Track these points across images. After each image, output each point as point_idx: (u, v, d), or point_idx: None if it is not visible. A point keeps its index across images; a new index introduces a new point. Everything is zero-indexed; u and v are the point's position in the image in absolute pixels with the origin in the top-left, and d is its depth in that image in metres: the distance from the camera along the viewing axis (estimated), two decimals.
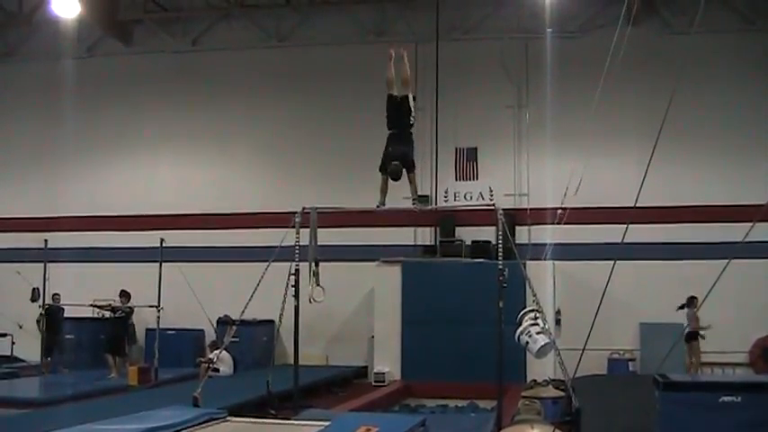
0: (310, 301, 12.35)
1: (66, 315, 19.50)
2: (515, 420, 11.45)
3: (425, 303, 18.11)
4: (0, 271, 20.54)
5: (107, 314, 19.05)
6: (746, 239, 8.55)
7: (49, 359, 18.64)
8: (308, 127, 21.28)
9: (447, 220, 19.92)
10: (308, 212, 12.65)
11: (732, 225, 16.35)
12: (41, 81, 22.25)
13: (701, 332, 16.77)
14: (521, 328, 12.11)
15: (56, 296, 18.91)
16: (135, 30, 22.54)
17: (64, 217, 21.49)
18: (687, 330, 16.43)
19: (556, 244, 17.11)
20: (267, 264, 12.17)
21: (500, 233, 11.97)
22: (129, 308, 18.34)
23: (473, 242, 19.43)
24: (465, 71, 20.44)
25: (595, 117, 15.21)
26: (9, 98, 22.90)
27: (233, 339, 15.32)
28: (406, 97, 11.77)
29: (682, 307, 16.58)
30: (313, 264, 12.56)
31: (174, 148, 22.00)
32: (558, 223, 16.52)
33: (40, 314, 18.58)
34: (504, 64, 20.21)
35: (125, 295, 18.25)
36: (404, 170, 11.53)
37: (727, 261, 8.09)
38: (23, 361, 19.52)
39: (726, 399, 8.59)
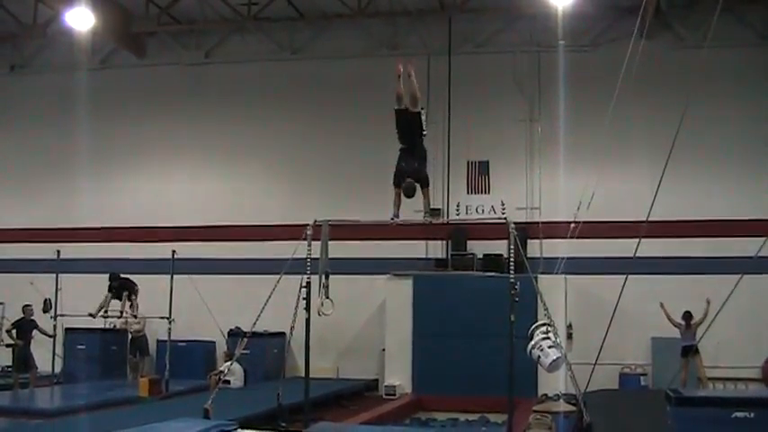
0: (319, 314, 12.30)
1: (78, 326, 19.52)
2: None
3: (437, 317, 18.09)
4: (14, 281, 20.61)
5: (118, 325, 19.20)
6: (759, 254, 8.53)
7: (26, 374, 18.01)
8: (321, 140, 21.31)
9: (459, 234, 19.91)
10: (320, 225, 12.65)
11: (745, 239, 16.31)
12: (55, 93, 22.38)
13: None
14: (532, 342, 12.07)
15: (27, 307, 18.28)
16: (148, 42, 22.65)
17: (77, 228, 21.60)
18: (685, 344, 16.67)
19: (568, 258, 17.06)
20: (279, 276, 12.19)
21: (512, 247, 11.94)
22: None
23: (485, 256, 19.41)
24: (477, 85, 20.47)
25: (608, 131, 15.19)
26: (23, 109, 23.03)
27: (244, 351, 15.32)
28: (417, 113, 11.69)
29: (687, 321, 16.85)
30: (323, 276, 12.53)
31: (187, 160, 22.08)
32: (570, 237, 16.49)
33: (12, 325, 18.28)
34: (516, 78, 20.25)
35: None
36: (417, 185, 11.60)
37: (740, 276, 8.07)
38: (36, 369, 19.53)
39: (739, 414, 8.53)
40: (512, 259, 11.84)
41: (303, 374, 12.92)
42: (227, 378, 16.18)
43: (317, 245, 12.55)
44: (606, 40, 19.74)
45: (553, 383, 15.87)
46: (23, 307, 18.25)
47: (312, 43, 21.76)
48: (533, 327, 12.26)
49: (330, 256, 12.68)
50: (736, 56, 18.92)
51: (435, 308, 18.16)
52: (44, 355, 18.57)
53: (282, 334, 17.55)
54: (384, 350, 18.84)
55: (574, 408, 13.27)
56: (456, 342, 17.71)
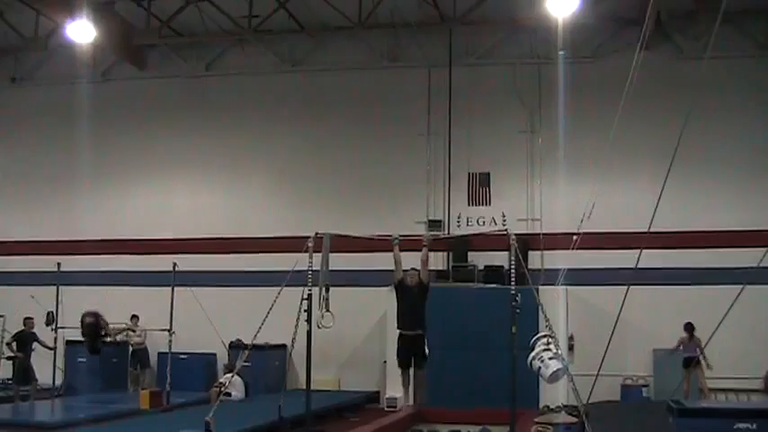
0: (318, 327, 12.27)
1: (78, 339, 19.45)
2: None
3: (438, 328, 17.89)
4: (15, 294, 20.60)
5: (118, 338, 19.18)
6: (761, 264, 8.51)
7: (26, 387, 18.07)
8: (322, 152, 21.31)
9: (460, 246, 19.87)
10: (321, 237, 12.62)
11: (746, 251, 16.25)
12: (56, 105, 22.40)
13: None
14: (533, 354, 12.05)
15: (28, 320, 18.29)
16: (149, 54, 22.68)
17: (78, 241, 21.56)
18: (687, 355, 16.78)
19: (569, 269, 17.03)
20: (280, 288, 12.16)
21: (513, 258, 11.94)
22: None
23: (486, 267, 19.38)
24: (478, 96, 20.48)
25: (609, 142, 15.18)
26: (24, 122, 23.05)
27: (245, 364, 15.29)
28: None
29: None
30: (323, 289, 12.49)
31: (188, 172, 22.08)
32: (571, 248, 16.47)
33: (12, 337, 18.28)
34: (516, 89, 20.26)
35: None
36: None
37: (741, 286, 8.05)
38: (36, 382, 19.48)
39: (741, 426, 8.50)
40: (513, 271, 11.83)
41: (304, 387, 12.86)
42: (228, 390, 16.15)
43: (318, 257, 12.53)
44: (606, 52, 19.76)
45: (555, 395, 15.83)
46: (24, 319, 18.22)
47: (312, 55, 21.79)
48: (535, 338, 12.24)
49: (331, 267, 12.66)
50: (736, 66, 18.91)
51: (436, 320, 17.95)
52: (45, 368, 18.49)
53: (284, 346, 17.58)
54: (385, 362, 18.77)
55: (575, 419, 13.25)
56: (457, 354, 17.62)
